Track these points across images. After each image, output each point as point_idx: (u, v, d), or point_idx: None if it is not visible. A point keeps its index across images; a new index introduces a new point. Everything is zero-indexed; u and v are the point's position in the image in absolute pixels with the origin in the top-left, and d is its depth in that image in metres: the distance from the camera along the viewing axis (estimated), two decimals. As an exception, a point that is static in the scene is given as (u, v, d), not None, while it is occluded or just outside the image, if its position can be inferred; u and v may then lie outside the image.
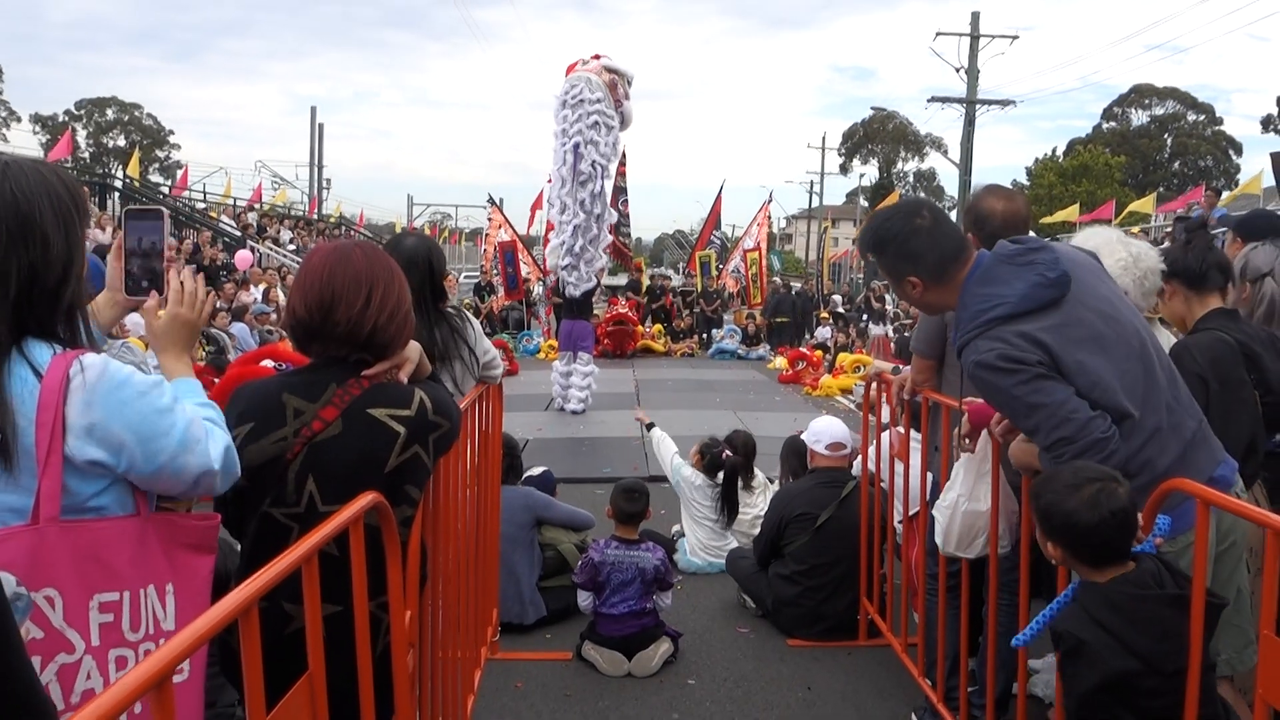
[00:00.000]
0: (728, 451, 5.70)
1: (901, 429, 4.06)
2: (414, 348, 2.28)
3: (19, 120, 56.74)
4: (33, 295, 1.66)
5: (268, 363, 7.31)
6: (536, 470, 5.77)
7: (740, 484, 5.95)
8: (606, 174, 10.87)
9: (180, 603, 1.78)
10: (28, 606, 1.33)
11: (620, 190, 19.96)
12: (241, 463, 1.94)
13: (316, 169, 39.33)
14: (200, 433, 1.77)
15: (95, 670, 1.64)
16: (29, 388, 1.60)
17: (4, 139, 52.07)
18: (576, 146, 10.39)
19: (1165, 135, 55.68)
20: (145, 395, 1.70)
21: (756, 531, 5.18)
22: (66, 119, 58.19)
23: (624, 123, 10.87)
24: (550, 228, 13.18)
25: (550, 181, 11.25)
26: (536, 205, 22.77)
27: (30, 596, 1.34)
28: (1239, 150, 54.61)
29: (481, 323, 17.20)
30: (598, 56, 10.74)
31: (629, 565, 4.29)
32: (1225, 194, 20.66)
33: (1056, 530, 2.27)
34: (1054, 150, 55.57)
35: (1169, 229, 18.14)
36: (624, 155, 20.06)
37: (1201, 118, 55.82)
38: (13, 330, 1.64)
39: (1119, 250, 3.12)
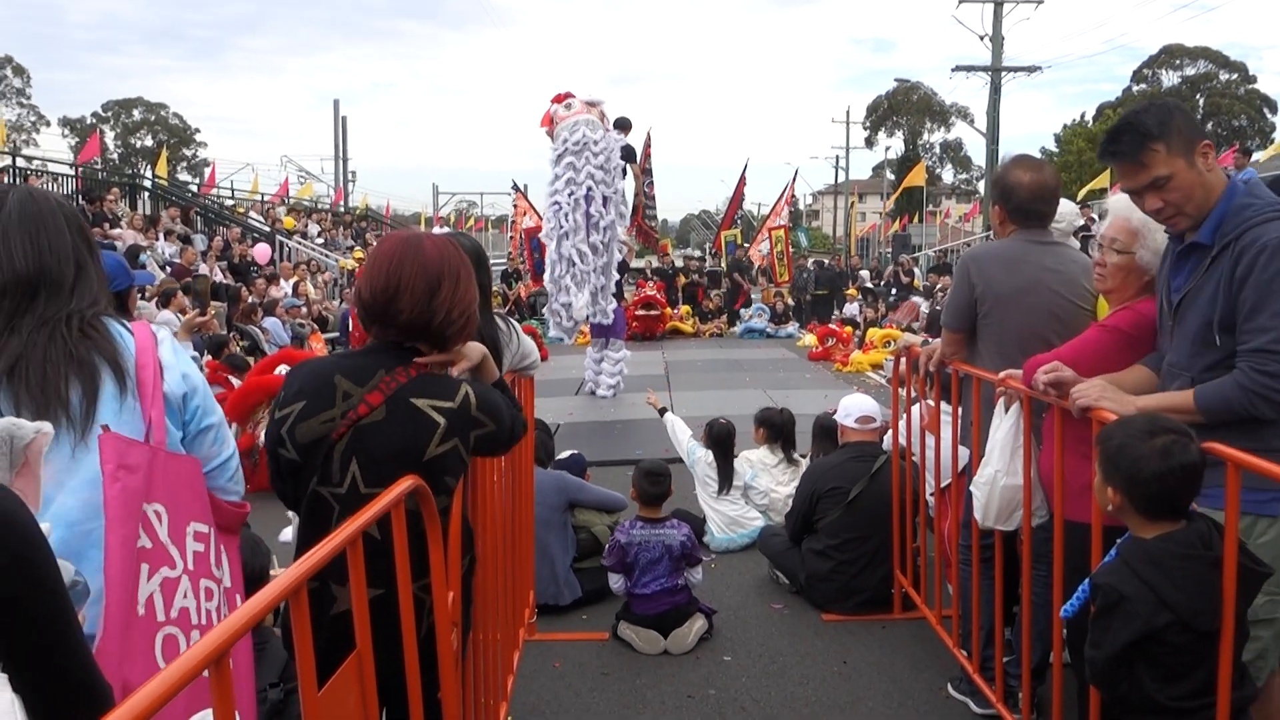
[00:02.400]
0: (722, 419, 5.87)
1: (931, 401, 4.06)
2: (477, 349, 2.35)
3: (48, 124, 57.54)
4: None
5: (282, 368, 7.49)
6: (565, 454, 5.82)
7: (783, 458, 6.00)
8: (620, 204, 10.76)
9: (230, 567, 1.96)
10: (85, 592, 1.39)
11: (646, 173, 19.89)
12: (293, 438, 2.14)
13: (341, 162, 39.53)
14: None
15: (191, 592, 1.81)
16: (126, 340, 1.88)
17: (34, 143, 52.80)
18: (589, 190, 10.24)
19: (1197, 96, 54.56)
20: (198, 370, 2.00)
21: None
22: (94, 121, 58.85)
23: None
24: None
25: (542, 230, 10.95)
26: None
27: (87, 584, 1.41)
28: (1273, 108, 53.42)
29: (509, 309, 17.08)
30: (564, 96, 10.52)
31: (655, 544, 4.34)
32: (1259, 154, 20.25)
33: (1120, 473, 2.26)
34: (1083, 115, 54.76)
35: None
36: (649, 138, 19.96)
37: (1234, 76, 54.66)
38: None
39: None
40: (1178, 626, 2.15)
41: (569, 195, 10.33)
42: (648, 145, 19.77)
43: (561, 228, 10.40)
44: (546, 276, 10.97)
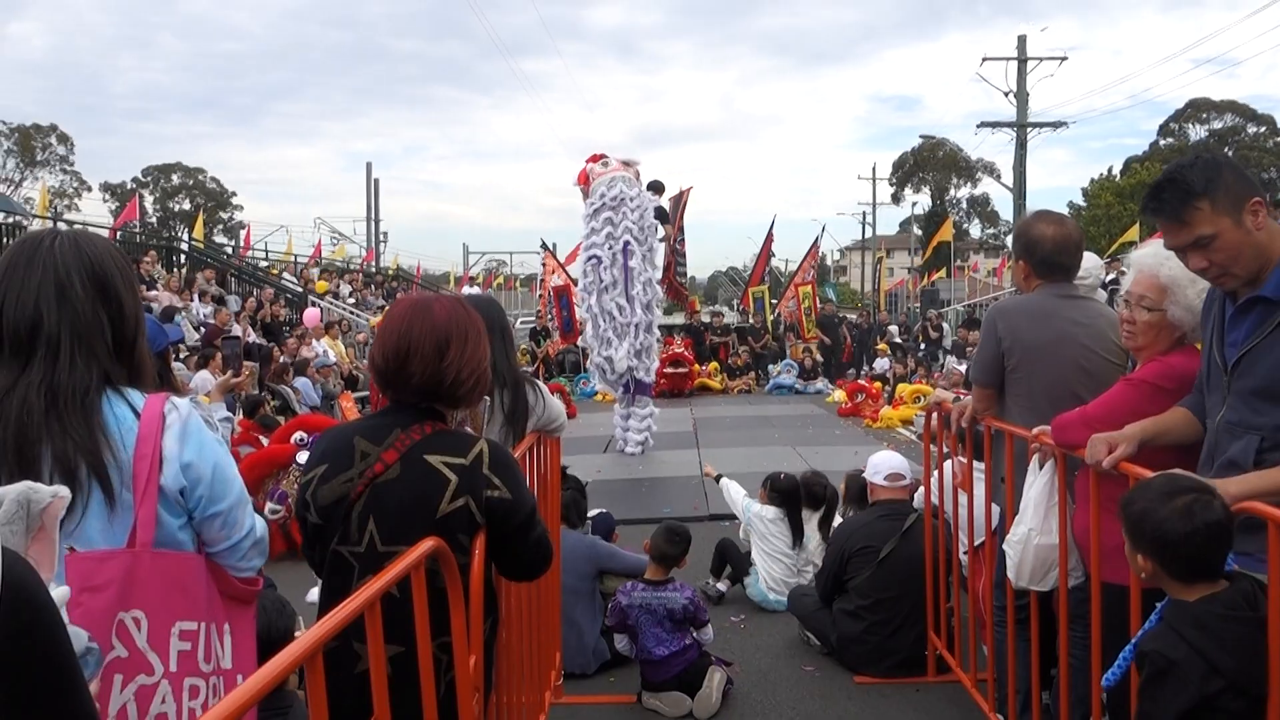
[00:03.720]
0: (783, 474, 5.78)
1: (963, 458, 4.00)
2: None
3: (89, 190, 58.92)
4: (118, 348, 1.85)
5: (299, 435, 7.54)
6: (593, 512, 5.76)
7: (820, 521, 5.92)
8: (652, 261, 10.90)
9: (235, 643, 1.87)
10: (99, 662, 1.38)
11: (679, 229, 19.95)
12: (315, 501, 2.16)
13: (373, 223, 40.16)
14: (248, 496, 1.94)
15: (170, 695, 1.73)
16: (127, 425, 1.78)
17: (77, 209, 54.07)
18: (626, 245, 10.42)
19: (1226, 149, 54.46)
20: (220, 445, 1.89)
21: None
22: (134, 186, 60.20)
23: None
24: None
25: (579, 284, 11.05)
26: (571, 257, 22.93)
27: (99, 651, 1.39)
28: (1304, 160, 53.19)
29: (538, 367, 17.14)
30: (599, 156, 10.79)
31: (657, 606, 4.27)
32: (1291, 206, 20.08)
33: (1146, 539, 2.20)
34: (1110, 170, 54.71)
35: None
36: (686, 195, 19.98)
37: (1262, 129, 54.56)
38: (115, 376, 1.83)
39: (1201, 281, 2.85)
40: (1231, 692, 2.06)
41: (608, 249, 10.48)
42: (685, 202, 19.83)
43: (601, 281, 10.53)
44: (588, 331, 11.08)
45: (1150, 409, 2.85)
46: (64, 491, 1.31)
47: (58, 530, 1.30)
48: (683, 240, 20.43)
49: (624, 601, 4.31)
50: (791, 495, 5.65)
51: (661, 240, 10.97)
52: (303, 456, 7.08)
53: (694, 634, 4.32)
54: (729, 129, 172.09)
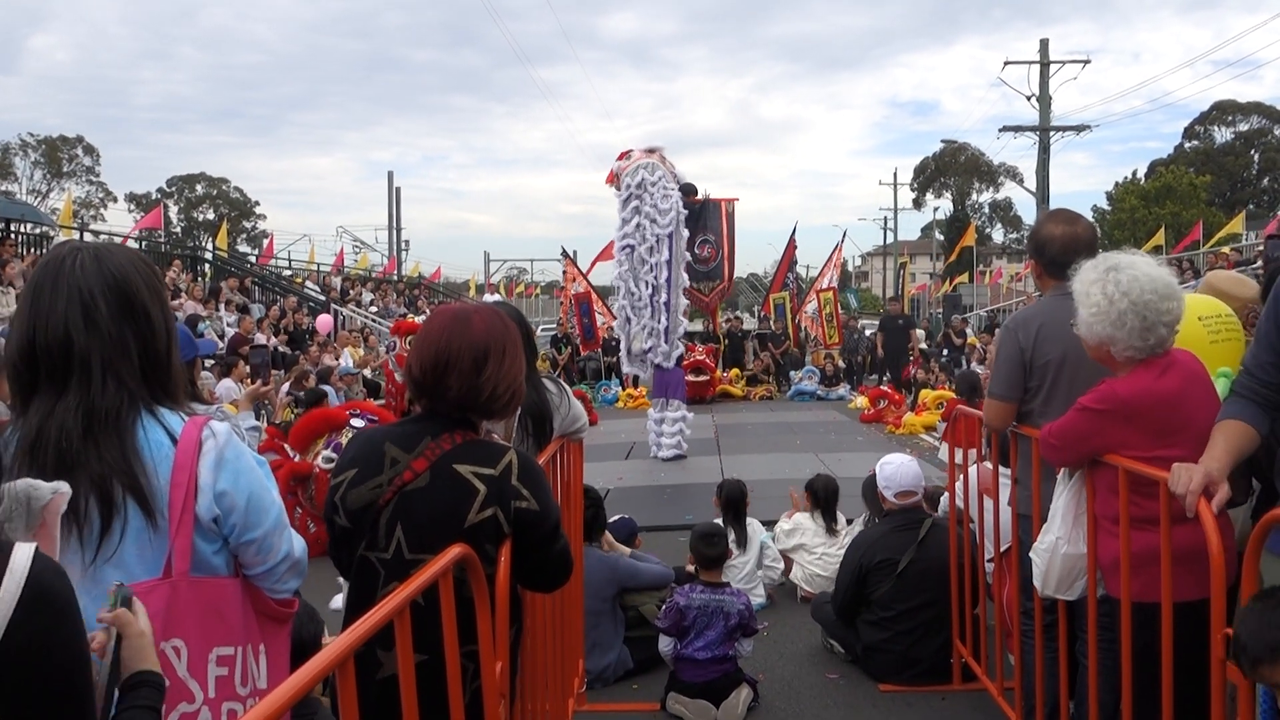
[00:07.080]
0: (734, 479, 5.89)
1: (989, 464, 3.97)
2: None
3: (115, 200, 59.55)
4: (149, 364, 1.81)
5: (356, 422, 7.62)
6: (615, 518, 5.74)
7: (825, 529, 5.89)
8: (674, 241, 10.93)
9: (270, 662, 1.87)
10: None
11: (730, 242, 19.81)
12: (344, 505, 2.17)
13: (395, 232, 40.32)
14: (286, 521, 1.90)
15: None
16: (164, 451, 1.75)
17: (103, 219, 54.66)
18: (639, 228, 10.73)
19: (1252, 151, 53.93)
20: (257, 469, 1.86)
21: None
22: (159, 196, 60.73)
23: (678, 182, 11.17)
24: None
25: (616, 274, 11.22)
26: (601, 257, 22.86)
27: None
28: (1331, 162, 52.56)
29: (559, 374, 17.29)
30: (624, 154, 11.04)
31: (714, 609, 4.26)
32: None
33: None
34: (1134, 173, 54.25)
35: (1260, 247, 17.54)
36: (727, 208, 19.77)
37: (1289, 131, 53.98)
38: (144, 397, 1.79)
39: (1094, 295, 2.86)
40: None
41: (626, 236, 10.78)
42: (729, 213, 19.59)
43: (634, 270, 10.83)
44: (617, 318, 11.47)
45: (1098, 432, 2.85)
46: (64, 488, 1.31)
47: (59, 526, 1.30)
48: (707, 244, 20.08)
49: (682, 602, 4.29)
50: (734, 502, 5.71)
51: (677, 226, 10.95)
52: (358, 423, 7.21)
53: (738, 643, 4.31)
54: (746, 135, 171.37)
